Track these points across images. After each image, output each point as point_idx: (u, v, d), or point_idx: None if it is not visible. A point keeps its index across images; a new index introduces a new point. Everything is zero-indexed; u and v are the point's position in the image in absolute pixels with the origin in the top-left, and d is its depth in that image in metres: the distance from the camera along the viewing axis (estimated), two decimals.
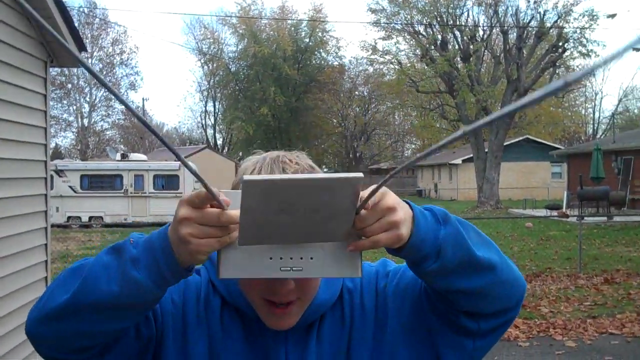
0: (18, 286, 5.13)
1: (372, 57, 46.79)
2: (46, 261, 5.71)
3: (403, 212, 1.24)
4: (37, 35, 5.45)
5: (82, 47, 6.02)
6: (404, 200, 1.29)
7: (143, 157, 34.70)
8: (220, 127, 72.89)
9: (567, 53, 38.40)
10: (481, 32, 40.32)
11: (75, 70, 57.11)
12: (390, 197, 1.25)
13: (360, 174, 1.17)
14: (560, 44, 36.77)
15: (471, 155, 42.05)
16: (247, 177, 1.10)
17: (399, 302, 1.51)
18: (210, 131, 72.74)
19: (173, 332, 1.46)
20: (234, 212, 1.16)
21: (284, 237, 1.20)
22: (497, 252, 1.38)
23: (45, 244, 5.69)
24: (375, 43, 45.54)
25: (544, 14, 37.66)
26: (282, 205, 1.14)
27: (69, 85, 58.85)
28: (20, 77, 5.18)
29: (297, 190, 1.12)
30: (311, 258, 1.24)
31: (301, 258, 1.24)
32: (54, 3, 5.29)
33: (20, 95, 5.19)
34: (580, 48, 37.94)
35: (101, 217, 27.96)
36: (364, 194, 1.19)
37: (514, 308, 1.44)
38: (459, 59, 39.85)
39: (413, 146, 78.13)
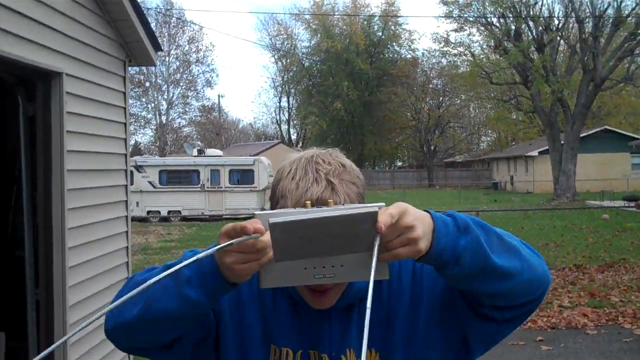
0: (104, 269, 5.56)
1: (445, 49, 46.54)
2: (127, 247, 6.14)
3: (422, 229, 1.37)
4: (116, 37, 5.86)
5: (158, 47, 6.41)
6: (425, 210, 1.42)
7: (219, 152, 35.39)
8: (294, 122, 73.58)
9: None
10: (556, 22, 39.65)
11: (153, 68, 58.65)
12: (409, 215, 1.36)
13: (380, 204, 1.36)
14: (639, 31, 35.84)
15: (547, 147, 41.41)
16: (272, 219, 1.28)
17: (433, 282, 1.66)
18: (284, 126, 73.56)
19: (230, 313, 1.69)
20: (267, 237, 1.33)
21: (314, 254, 1.38)
22: (520, 256, 1.51)
23: (126, 232, 6.11)
24: (448, 35, 45.31)
25: (622, 1, 36.77)
26: (307, 238, 1.31)
27: (147, 84, 60.33)
28: (102, 76, 5.61)
29: (319, 227, 1.29)
30: (342, 265, 1.40)
31: (332, 266, 1.40)
32: (130, 6, 5.69)
33: (102, 93, 5.61)
34: None
35: (179, 211, 28.73)
36: (386, 212, 1.35)
37: (538, 300, 1.58)
38: (533, 49, 39.29)
39: (488, 138, 77.22)
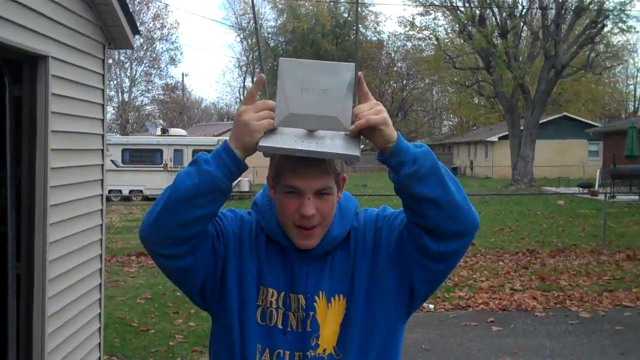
0: (81, 245, 5.80)
1: (410, 33, 46.89)
2: (101, 225, 6.37)
3: (389, 120, 1.84)
4: (96, 20, 6.06)
5: (136, 31, 6.62)
6: None
7: (182, 132, 35.39)
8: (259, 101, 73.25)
9: (607, 29, 38.15)
10: (520, 8, 40.16)
11: None
12: (381, 104, 1.85)
13: (352, 64, 1.86)
14: (600, 19, 36.49)
15: (507, 132, 42.05)
16: (282, 58, 1.84)
17: (389, 237, 2.07)
18: None
19: (233, 253, 2.07)
20: (272, 102, 1.84)
21: (307, 117, 1.82)
22: (458, 186, 1.90)
23: (101, 210, 6.35)
24: (413, 19, 45.62)
25: None
26: (303, 84, 1.80)
27: (110, 61, 59.69)
28: (84, 58, 5.80)
29: (312, 69, 1.82)
30: (323, 143, 1.82)
31: (317, 142, 1.82)
32: None
33: (84, 75, 5.81)
34: (620, 24, 37.67)
35: (141, 191, 28.77)
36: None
37: (466, 236, 1.93)
38: (496, 34, 39.79)
39: (450, 123, 77.95)
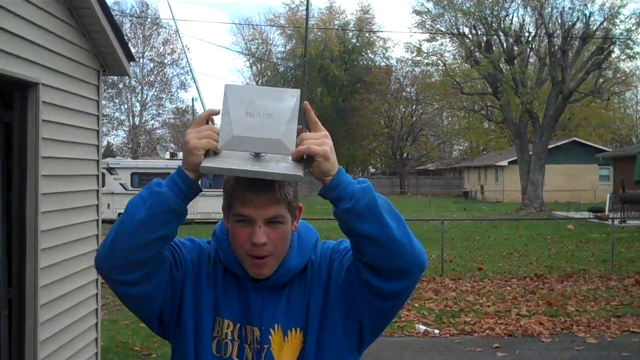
0: (74, 270, 5.78)
1: (417, 58, 47.00)
2: (96, 250, 6.35)
3: (333, 153, 1.83)
4: (90, 48, 6.08)
5: (131, 58, 6.63)
6: None
7: None
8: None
9: (614, 55, 38.14)
10: (526, 35, 40.25)
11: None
12: (329, 138, 1.85)
13: (297, 90, 1.89)
14: (606, 46, 36.52)
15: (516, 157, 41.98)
16: (228, 84, 1.87)
17: (339, 270, 2.04)
18: None
19: (191, 282, 2.05)
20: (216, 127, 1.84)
21: (251, 139, 1.83)
22: (401, 224, 1.86)
23: (97, 235, 6.33)
24: (420, 45, 45.75)
25: (590, 16, 37.46)
26: (248, 108, 1.82)
27: (121, 85, 60.05)
28: (77, 85, 5.82)
29: (257, 94, 1.86)
30: (267, 165, 1.82)
31: (260, 165, 1.82)
32: (104, 17, 5.91)
33: (77, 102, 5.82)
34: (627, 50, 37.65)
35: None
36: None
37: (411, 274, 1.90)
38: (503, 60, 39.85)
39: (460, 147, 77.87)
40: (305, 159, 1.83)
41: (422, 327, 10.28)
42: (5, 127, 5.11)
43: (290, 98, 1.84)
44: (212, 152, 1.84)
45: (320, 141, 1.82)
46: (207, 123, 1.89)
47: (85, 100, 6.02)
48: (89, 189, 6.08)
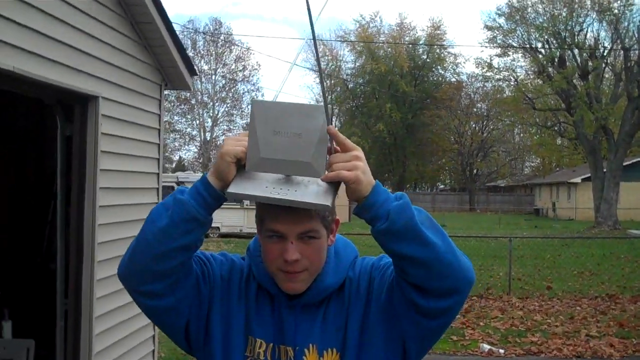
0: None
1: (488, 74, 46.41)
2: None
3: (366, 173, 1.71)
4: (153, 62, 6.16)
5: (193, 72, 6.69)
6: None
7: None
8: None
9: None
10: (601, 49, 39.34)
11: (199, 86, 59.51)
12: (362, 156, 1.73)
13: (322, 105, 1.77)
14: None
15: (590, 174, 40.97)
16: (255, 99, 1.83)
17: (380, 288, 1.93)
18: None
19: (220, 298, 1.97)
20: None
21: (279, 162, 1.74)
22: (444, 239, 1.76)
23: None
24: (491, 60, 45.18)
25: None
26: (276, 126, 1.72)
27: (193, 101, 61.07)
28: (138, 99, 5.90)
29: (285, 111, 1.73)
30: (295, 190, 1.72)
31: (288, 189, 1.73)
32: (167, 32, 5.97)
33: (138, 115, 5.89)
34: None
35: (218, 228, 28.98)
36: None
37: (457, 292, 1.77)
38: (577, 76, 39.02)
39: (532, 164, 76.49)
40: (338, 182, 1.74)
41: (487, 347, 10.06)
42: (66, 140, 5.19)
43: (320, 115, 1.73)
44: (242, 169, 1.78)
45: (351, 164, 1.70)
46: None
47: (146, 114, 6.09)
48: (149, 202, 6.13)
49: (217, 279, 1.99)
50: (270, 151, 1.73)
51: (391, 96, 61.34)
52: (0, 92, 5.38)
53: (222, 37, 61.68)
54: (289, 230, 1.84)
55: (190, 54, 59.93)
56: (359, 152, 1.75)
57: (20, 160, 6.82)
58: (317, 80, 71.74)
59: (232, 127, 65.89)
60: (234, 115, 65.41)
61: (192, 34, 59.54)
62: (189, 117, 62.37)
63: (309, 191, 1.73)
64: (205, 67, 60.98)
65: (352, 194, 1.72)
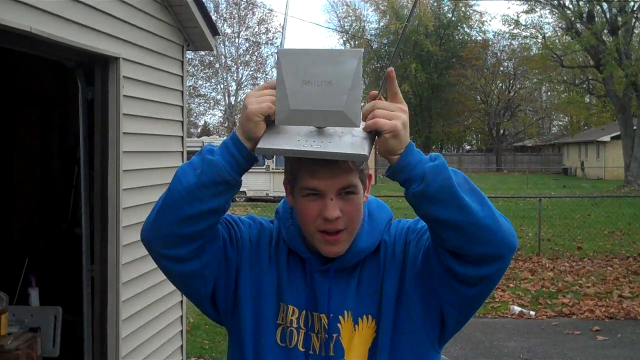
0: None
1: (515, 31, 45.70)
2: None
3: (405, 127, 1.60)
4: (174, 22, 6.01)
5: (215, 32, 6.54)
6: None
7: None
8: (362, 104, 73.21)
9: None
10: (631, 4, 38.47)
11: (223, 49, 59.29)
12: (406, 110, 1.62)
13: (360, 50, 1.62)
14: None
15: (619, 132, 40.37)
16: (281, 49, 1.64)
17: (416, 252, 1.81)
18: None
19: (249, 263, 1.86)
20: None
21: (310, 113, 1.61)
22: (484, 203, 1.62)
23: None
24: (518, 17, 44.47)
25: None
26: (304, 76, 1.59)
27: (217, 65, 60.93)
28: (160, 60, 5.76)
29: (314, 58, 1.60)
30: (329, 142, 1.61)
31: (321, 141, 1.62)
32: None
33: (160, 77, 5.77)
34: None
35: (244, 192, 28.98)
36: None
37: (498, 259, 1.64)
38: (606, 31, 38.27)
39: (560, 123, 75.63)
40: (374, 133, 1.61)
41: (517, 308, 9.96)
42: (88, 104, 5.09)
43: (351, 60, 1.59)
44: (271, 124, 1.65)
45: (393, 114, 1.59)
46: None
47: (168, 76, 5.95)
48: (173, 165, 6.02)
49: (246, 242, 1.88)
50: (300, 102, 1.60)
51: (416, 56, 60.74)
52: (22, 56, 5.29)
53: (244, 0, 61.23)
54: (328, 187, 1.71)
55: (213, 17, 59.84)
56: (405, 106, 1.62)
57: (45, 125, 6.74)
58: (341, 41, 71.24)
59: None
60: (258, 79, 65.18)
61: None
62: (213, 81, 62.25)
63: (344, 142, 1.62)
64: (229, 31, 60.72)
65: (385, 148, 1.59)
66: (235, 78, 64.00)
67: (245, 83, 64.52)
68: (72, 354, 5.41)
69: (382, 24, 65.98)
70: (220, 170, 1.64)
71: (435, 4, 64.03)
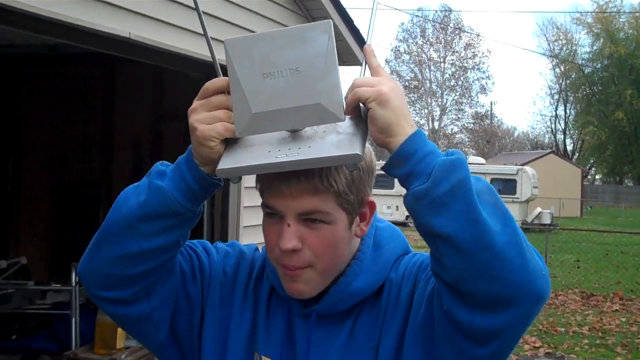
0: None
1: None
2: None
3: (396, 89, 1.22)
4: None
5: (361, 42, 6.38)
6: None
7: (481, 160, 35.11)
8: (571, 132, 70.24)
9: None
10: None
11: (428, 74, 59.39)
12: (397, 85, 1.25)
13: (328, 22, 1.21)
14: None
15: None
16: (228, 38, 1.24)
17: (422, 296, 1.37)
18: (560, 136, 70.39)
19: (221, 300, 1.49)
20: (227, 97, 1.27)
21: (279, 113, 1.23)
22: (507, 223, 1.19)
23: None
24: None
25: None
26: (263, 67, 1.22)
27: (422, 89, 61.18)
28: None
29: (272, 43, 1.22)
30: (309, 146, 1.24)
31: (299, 148, 1.24)
32: (332, 5, 5.67)
33: None
34: None
35: None
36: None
37: (513, 306, 1.19)
38: None
39: None
40: (365, 122, 1.22)
41: None
42: None
43: (321, 36, 1.20)
44: (230, 138, 1.28)
45: (375, 81, 1.21)
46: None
47: None
48: None
49: (218, 274, 1.52)
50: (263, 103, 1.23)
51: (632, 82, 57.17)
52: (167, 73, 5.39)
53: (451, 25, 61.04)
54: (285, 208, 1.32)
55: (420, 42, 60.14)
56: (390, 78, 1.25)
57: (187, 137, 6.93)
58: (550, 66, 68.87)
59: (460, 116, 65.28)
60: (463, 104, 64.66)
61: (421, 22, 59.55)
62: (417, 106, 62.62)
63: (327, 143, 1.23)
64: (435, 55, 60.81)
65: (376, 126, 1.20)
66: (440, 103, 63.88)
67: (450, 108, 64.22)
68: None
69: (595, 47, 62.92)
70: (168, 201, 1.28)
71: None
